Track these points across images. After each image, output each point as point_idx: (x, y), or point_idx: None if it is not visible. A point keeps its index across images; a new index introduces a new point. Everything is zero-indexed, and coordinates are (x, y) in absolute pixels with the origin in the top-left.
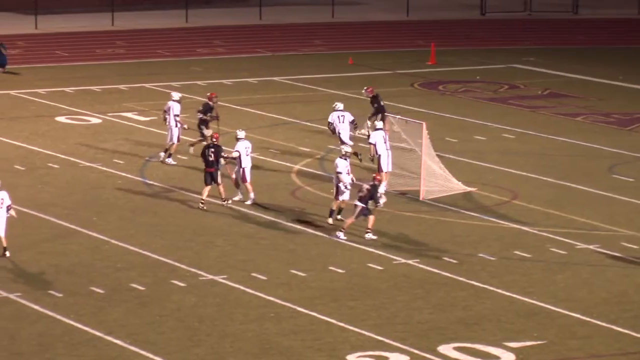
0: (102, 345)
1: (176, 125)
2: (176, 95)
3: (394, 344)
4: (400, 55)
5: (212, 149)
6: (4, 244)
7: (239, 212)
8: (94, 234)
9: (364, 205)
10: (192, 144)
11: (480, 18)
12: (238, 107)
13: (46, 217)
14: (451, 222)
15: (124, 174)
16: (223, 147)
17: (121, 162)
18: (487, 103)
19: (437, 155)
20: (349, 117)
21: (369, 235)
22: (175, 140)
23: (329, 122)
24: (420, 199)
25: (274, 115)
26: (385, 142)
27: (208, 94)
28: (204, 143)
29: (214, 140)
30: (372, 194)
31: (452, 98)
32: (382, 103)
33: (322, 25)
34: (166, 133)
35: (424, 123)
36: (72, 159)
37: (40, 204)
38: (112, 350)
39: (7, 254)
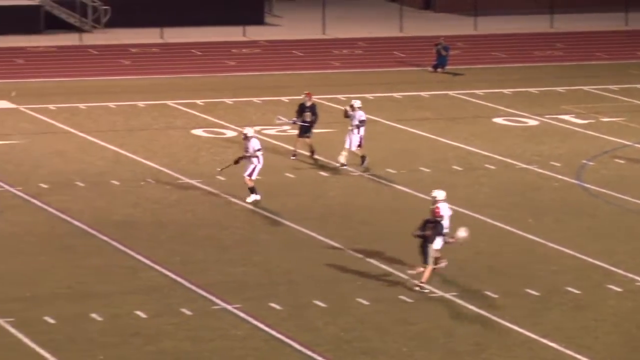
0: (537, 348)
1: None
2: None
3: None
4: None
5: None
6: None
7: None
8: (529, 236)
9: None
10: None
11: None
12: None
13: (482, 217)
14: None
15: (560, 177)
16: None
17: (558, 164)
18: None
19: None
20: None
21: None
22: None
23: None
24: None
25: None
26: None
27: None
28: None
29: None
30: None
31: None
32: None
33: None
34: None
35: None
36: (508, 160)
37: (476, 205)
38: (548, 353)
39: None
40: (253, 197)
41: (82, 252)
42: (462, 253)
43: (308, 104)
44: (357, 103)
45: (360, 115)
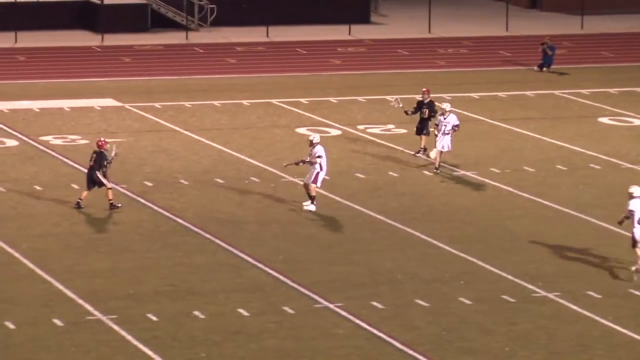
0: None
1: None
2: None
3: None
4: None
5: None
6: None
7: None
8: None
9: None
10: None
11: None
12: None
13: (586, 217)
14: None
15: None
16: None
17: None
18: None
19: None
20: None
21: None
22: None
23: None
24: None
25: None
26: None
27: None
28: None
29: None
30: None
31: None
32: None
33: None
34: None
35: None
36: (614, 160)
37: (581, 205)
38: None
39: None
40: (311, 207)
41: (185, 250)
42: (565, 253)
43: (426, 100)
44: (447, 106)
45: (455, 119)
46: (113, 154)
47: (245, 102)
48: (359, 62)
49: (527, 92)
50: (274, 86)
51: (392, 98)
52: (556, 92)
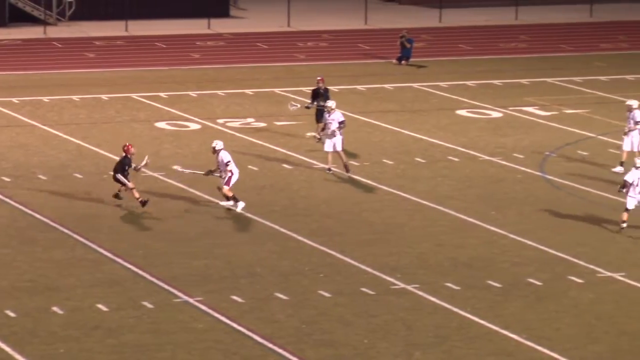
0: (498, 340)
1: None
2: (635, 103)
3: None
4: None
5: None
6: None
7: None
8: (492, 228)
9: None
10: None
11: None
12: None
13: (445, 209)
14: None
15: (523, 169)
16: None
17: (521, 156)
18: None
19: None
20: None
21: None
22: (636, 148)
23: None
24: None
25: None
26: None
27: None
28: None
29: None
30: None
31: None
32: None
33: None
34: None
35: None
36: (472, 152)
37: (440, 197)
38: (508, 344)
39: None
40: (240, 205)
41: (44, 245)
42: (423, 245)
43: (321, 89)
44: (333, 104)
45: (339, 116)
46: (143, 162)
47: (104, 96)
48: (219, 56)
49: (386, 85)
50: (133, 80)
51: (290, 104)
52: (415, 84)
